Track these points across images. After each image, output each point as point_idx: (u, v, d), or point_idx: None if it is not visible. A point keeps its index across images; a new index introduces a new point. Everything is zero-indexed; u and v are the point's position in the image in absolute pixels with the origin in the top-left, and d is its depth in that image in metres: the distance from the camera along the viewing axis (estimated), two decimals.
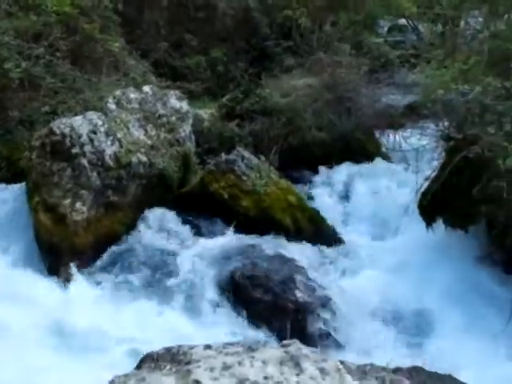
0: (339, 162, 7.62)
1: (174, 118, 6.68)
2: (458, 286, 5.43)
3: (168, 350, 3.57)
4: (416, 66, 7.52)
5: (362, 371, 3.79)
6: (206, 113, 7.91)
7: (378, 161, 7.66)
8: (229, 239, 6.20)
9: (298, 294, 5.31)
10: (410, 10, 10.49)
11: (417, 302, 5.33)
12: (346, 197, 7.18)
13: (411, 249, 5.92)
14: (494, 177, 5.14)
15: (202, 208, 6.44)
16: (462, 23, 8.48)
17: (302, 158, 7.66)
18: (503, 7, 6.52)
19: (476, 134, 5.48)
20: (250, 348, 3.67)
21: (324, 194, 7.26)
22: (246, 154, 6.76)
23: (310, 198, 7.10)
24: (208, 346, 3.71)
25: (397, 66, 8.69)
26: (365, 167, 7.48)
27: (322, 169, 7.61)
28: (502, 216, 5.23)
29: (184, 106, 6.89)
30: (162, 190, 6.40)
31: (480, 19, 7.69)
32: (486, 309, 5.21)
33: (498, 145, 5.15)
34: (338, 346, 5.03)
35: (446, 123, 6.41)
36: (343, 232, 6.56)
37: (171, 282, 5.54)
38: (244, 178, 6.45)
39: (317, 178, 7.53)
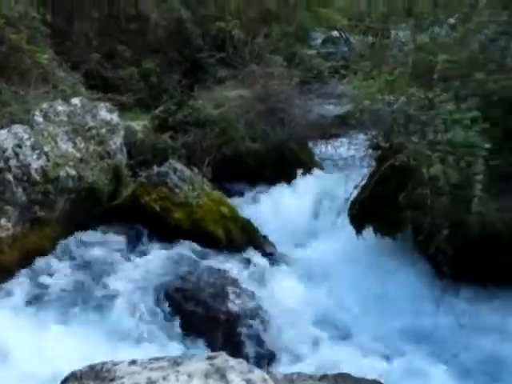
0: (273, 172, 7.69)
1: (103, 131, 6.60)
2: (384, 292, 5.53)
3: (92, 367, 3.50)
4: (345, 77, 7.68)
5: (288, 380, 3.82)
6: (139, 124, 7.84)
7: (311, 170, 7.75)
8: (161, 252, 6.15)
9: (230, 305, 5.31)
10: (341, 23, 10.74)
11: (346, 309, 5.40)
12: (279, 206, 7.23)
13: (342, 257, 6.01)
14: (418, 184, 5.28)
15: (134, 221, 6.37)
16: (392, 35, 8.74)
17: (236, 169, 7.68)
18: (427, 21, 6.74)
19: (401, 143, 5.62)
20: (176, 362, 3.64)
21: (257, 203, 7.30)
22: (179, 166, 6.74)
23: (243, 208, 7.12)
24: (133, 362, 3.65)
25: (327, 77, 8.85)
26: (298, 177, 7.55)
27: (256, 179, 7.65)
28: (426, 223, 5.37)
29: (114, 118, 6.82)
30: (91, 204, 6.30)
31: (408, 32, 7.94)
32: (412, 314, 5.34)
33: (421, 153, 5.29)
34: (269, 354, 5.05)
35: (374, 133, 6.56)
36: (275, 242, 6.60)
37: (100, 298, 5.44)
38: (176, 190, 6.42)
39: (250, 188, 7.56)
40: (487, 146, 5.02)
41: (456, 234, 5.14)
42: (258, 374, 3.59)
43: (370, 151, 6.70)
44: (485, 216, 5.07)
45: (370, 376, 3.88)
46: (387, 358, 4.84)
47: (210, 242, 6.27)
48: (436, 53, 5.82)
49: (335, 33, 11.81)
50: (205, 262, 5.95)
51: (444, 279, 5.48)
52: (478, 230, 5.07)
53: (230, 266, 5.95)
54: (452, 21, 6.63)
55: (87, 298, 5.48)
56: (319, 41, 12.21)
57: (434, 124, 5.32)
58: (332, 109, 8.18)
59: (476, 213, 4.97)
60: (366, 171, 6.52)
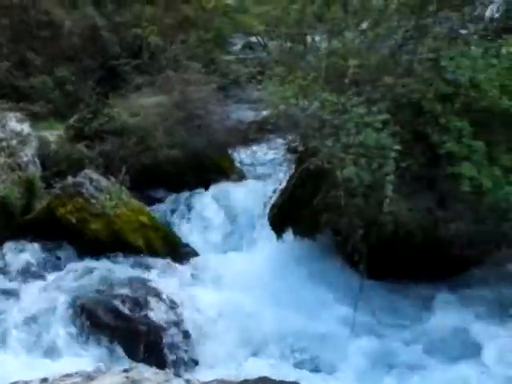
0: (193, 179, 7.64)
1: (14, 142, 6.38)
2: (305, 294, 5.60)
3: None
4: (262, 82, 7.72)
5: None
6: (53, 135, 7.61)
7: (231, 176, 7.76)
8: (79, 265, 6.01)
9: (151, 316, 5.24)
10: (258, 29, 10.80)
11: (265, 316, 5.43)
12: (200, 213, 7.19)
13: (263, 262, 6.04)
14: (332, 187, 5.37)
15: (50, 235, 6.18)
16: (309, 41, 8.86)
17: (156, 177, 7.58)
18: (338, 27, 6.87)
19: (316, 147, 5.71)
20: (89, 377, 3.55)
21: (178, 211, 7.23)
22: (95, 175, 6.60)
23: (164, 216, 7.05)
24: (44, 380, 3.54)
25: (245, 82, 8.89)
26: (218, 183, 7.55)
27: (176, 186, 7.58)
28: (343, 223, 5.47)
29: (26, 128, 6.61)
30: (3, 219, 6.07)
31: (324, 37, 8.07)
32: (331, 315, 5.43)
33: (335, 156, 5.39)
34: (191, 363, 5.01)
35: (291, 137, 6.65)
36: (198, 248, 6.57)
37: (14, 315, 5.24)
38: (93, 200, 6.28)
39: (170, 196, 7.49)
40: (398, 147, 5.17)
41: (370, 233, 5.27)
42: (175, 383, 3.56)
43: (288, 155, 6.78)
44: (397, 216, 5.22)
45: (289, 379, 3.91)
46: (304, 362, 4.91)
47: (129, 252, 6.17)
48: (347, 58, 5.96)
49: (254, 38, 11.86)
50: (125, 273, 5.84)
51: (361, 278, 5.58)
52: (391, 230, 5.21)
53: (151, 275, 5.88)
54: (363, 26, 6.80)
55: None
56: (238, 46, 12.24)
57: (347, 127, 5.43)
58: (250, 114, 8.21)
59: (388, 213, 5.10)
60: (284, 175, 6.60)
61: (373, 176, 5.13)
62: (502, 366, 4.84)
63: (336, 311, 5.40)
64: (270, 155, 7.08)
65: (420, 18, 5.99)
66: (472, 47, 5.56)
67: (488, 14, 6.18)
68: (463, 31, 5.88)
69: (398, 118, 5.43)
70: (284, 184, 6.31)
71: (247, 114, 8.30)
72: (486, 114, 5.27)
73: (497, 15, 6.10)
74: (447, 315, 5.34)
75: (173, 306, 5.42)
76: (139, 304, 5.34)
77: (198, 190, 7.46)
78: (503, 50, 5.27)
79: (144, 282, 5.65)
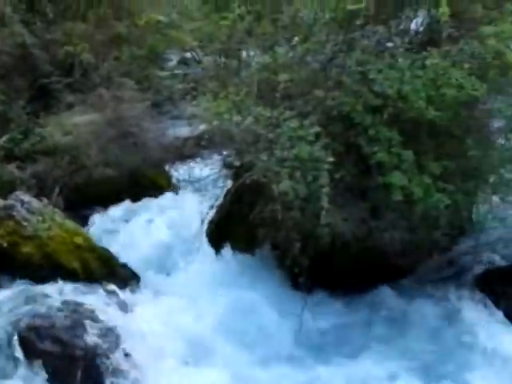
0: (130, 197, 7.54)
1: None
2: (246, 310, 5.59)
3: None
4: (196, 98, 7.71)
5: None
6: None
7: (168, 193, 7.69)
8: (12, 291, 5.81)
9: (88, 340, 5.10)
10: (192, 44, 10.79)
11: (205, 333, 5.39)
12: (137, 231, 7.09)
13: (202, 279, 6.00)
14: (269, 201, 5.39)
15: None
16: (243, 56, 8.91)
17: (91, 197, 7.45)
18: (268, 42, 6.93)
19: (251, 161, 5.73)
20: None
21: (114, 231, 7.11)
22: (27, 197, 6.41)
23: (100, 237, 6.90)
24: None
25: (179, 99, 8.85)
26: (154, 201, 7.47)
27: (112, 205, 7.46)
28: (280, 237, 5.50)
29: None
30: None
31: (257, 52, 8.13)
32: (273, 329, 5.44)
33: (271, 170, 5.42)
34: None
35: (227, 152, 6.64)
36: (135, 268, 6.46)
37: None
38: (24, 223, 6.10)
39: (107, 216, 7.36)
40: (330, 159, 5.23)
41: (308, 246, 5.31)
42: None
43: (225, 170, 6.77)
44: (334, 227, 5.27)
45: None
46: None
47: (65, 274, 5.99)
48: (278, 72, 6.02)
49: (189, 54, 11.84)
50: (60, 297, 5.67)
51: (301, 291, 5.61)
52: (328, 241, 5.27)
53: (88, 298, 5.72)
54: (294, 41, 6.89)
55: None
56: (173, 62, 12.20)
57: (281, 141, 5.47)
58: (185, 130, 8.17)
59: (325, 224, 5.15)
60: (221, 191, 6.58)
61: (308, 189, 5.18)
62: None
63: (279, 328, 5.42)
64: (207, 171, 7.04)
65: (348, 32, 6.13)
66: (399, 59, 5.71)
67: (413, 27, 6.37)
68: (390, 44, 6.03)
69: (329, 130, 5.51)
70: (221, 200, 6.29)
71: (182, 131, 8.26)
72: (414, 124, 5.41)
73: (421, 28, 6.29)
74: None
75: (112, 328, 5.29)
76: (76, 328, 5.20)
77: (135, 208, 7.36)
78: (428, 62, 5.43)
79: (80, 306, 5.49)
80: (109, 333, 5.25)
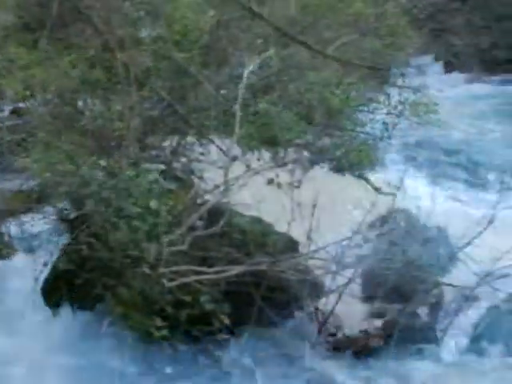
0: None
1: None
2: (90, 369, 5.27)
3: None
4: (27, 149, 7.31)
5: None
6: None
7: None
8: None
9: None
10: (24, 94, 10.30)
11: None
12: None
13: (40, 345, 5.54)
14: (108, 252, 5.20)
15: None
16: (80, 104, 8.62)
17: None
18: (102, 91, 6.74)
19: (89, 213, 5.51)
20: None
21: None
22: None
23: None
24: None
25: (8, 151, 8.32)
26: None
27: None
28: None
29: None
30: None
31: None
32: None
33: (108, 220, 5.24)
34: None
35: (62, 205, 6.35)
36: None
37: None
38: None
39: None
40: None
41: None
42: None
43: (60, 224, 6.46)
44: None
45: None
46: None
47: None
48: (113, 120, 5.90)
49: (22, 104, 11.28)
50: None
51: None
52: None
53: None
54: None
55: None
56: (6, 113, 11.54)
57: (118, 190, 5.31)
58: (15, 184, 7.65)
59: None
60: (56, 245, 6.24)
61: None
62: None
63: None
64: (41, 225, 6.65)
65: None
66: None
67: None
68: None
69: None
70: (56, 255, 5.95)
71: (12, 184, 7.72)
72: None
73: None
74: None
75: None
76: None
77: None
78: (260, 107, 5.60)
79: None
80: None
